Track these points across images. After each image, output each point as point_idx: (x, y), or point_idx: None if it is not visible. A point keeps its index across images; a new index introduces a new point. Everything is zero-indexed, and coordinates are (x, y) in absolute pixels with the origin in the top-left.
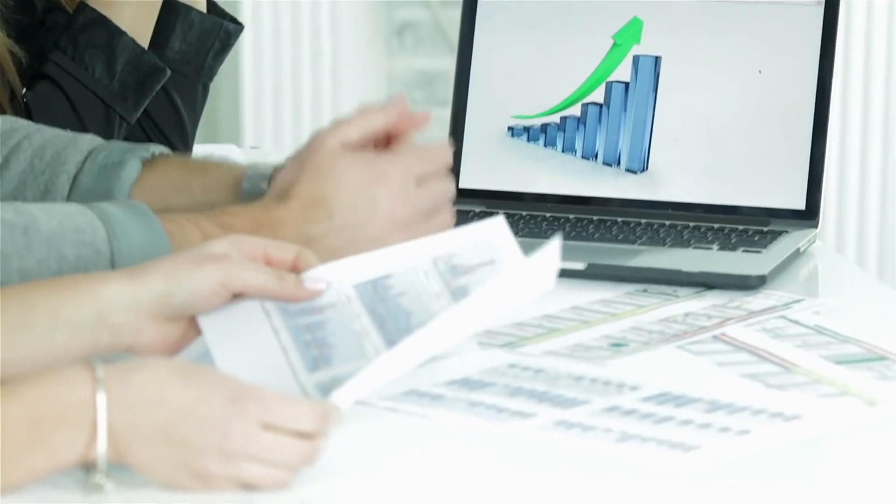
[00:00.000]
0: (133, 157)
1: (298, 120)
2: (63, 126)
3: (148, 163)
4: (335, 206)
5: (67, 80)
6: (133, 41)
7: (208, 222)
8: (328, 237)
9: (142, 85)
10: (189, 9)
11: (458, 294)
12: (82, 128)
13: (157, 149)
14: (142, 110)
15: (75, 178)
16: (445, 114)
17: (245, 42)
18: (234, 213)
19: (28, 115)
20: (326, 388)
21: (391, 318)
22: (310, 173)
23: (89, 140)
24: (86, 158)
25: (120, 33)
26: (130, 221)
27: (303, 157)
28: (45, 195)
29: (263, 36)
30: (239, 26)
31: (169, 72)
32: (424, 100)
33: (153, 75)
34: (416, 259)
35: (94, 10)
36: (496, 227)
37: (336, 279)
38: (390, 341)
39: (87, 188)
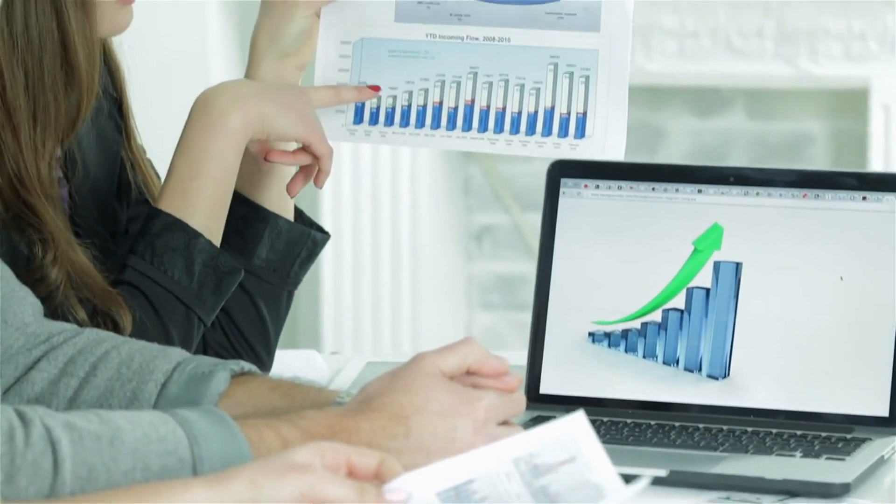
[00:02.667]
0: (223, 370)
1: (378, 325)
2: (145, 329)
3: (237, 377)
4: (415, 425)
5: (148, 284)
6: (209, 242)
7: (287, 427)
8: (401, 455)
9: (219, 285)
10: (277, 217)
11: (539, 495)
12: (164, 330)
13: (247, 365)
14: (219, 311)
15: (163, 386)
16: (524, 318)
17: (326, 246)
18: (310, 418)
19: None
20: None
21: None
22: (398, 389)
23: (178, 352)
24: (175, 368)
25: (197, 235)
26: (211, 428)
27: (396, 373)
28: (131, 403)
29: (343, 240)
30: (325, 235)
31: (243, 272)
32: (503, 304)
33: (230, 275)
34: (498, 461)
35: (169, 214)
36: (577, 423)
37: (419, 488)
38: None
39: (175, 397)
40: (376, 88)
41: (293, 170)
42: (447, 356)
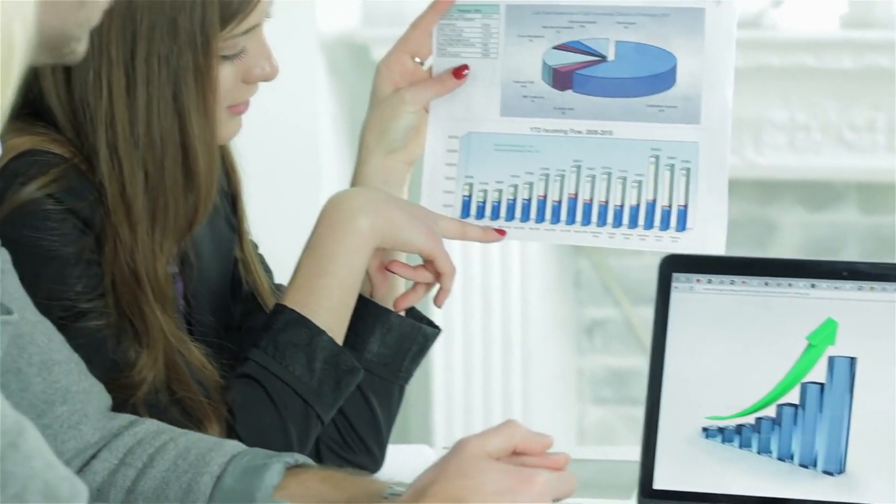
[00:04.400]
0: (277, 462)
1: (489, 419)
2: (265, 424)
3: (291, 470)
4: None
5: (269, 378)
6: (331, 340)
7: None
8: None
9: (339, 383)
10: (389, 312)
11: None
12: (282, 425)
13: (301, 458)
14: (337, 409)
15: (219, 478)
16: (636, 412)
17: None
18: None
19: (230, 413)
20: None
21: None
22: (451, 475)
23: (234, 445)
24: (230, 460)
25: (319, 332)
26: None
27: (444, 461)
28: (187, 494)
29: (454, 334)
30: (436, 330)
31: (363, 372)
32: (614, 398)
33: (350, 374)
34: None
35: (293, 310)
36: None
37: None
38: None
39: (230, 489)
40: (502, 232)
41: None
42: (492, 438)
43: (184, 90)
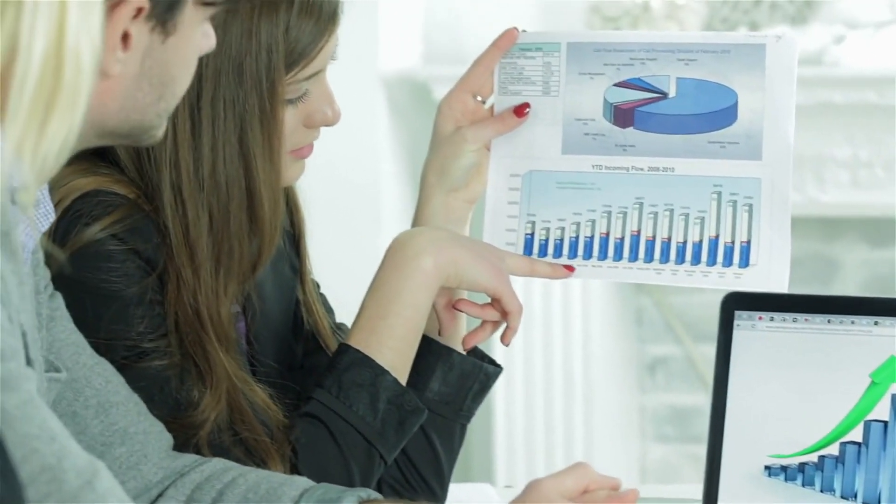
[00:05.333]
0: (349, 497)
1: (551, 457)
2: (328, 463)
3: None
4: None
5: (332, 418)
6: (395, 380)
7: None
8: None
9: (402, 424)
10: (450, 350)
11: None
12: (345, 465)
13: (374, 493)
14: (400, 449)
15: None
16: (699, 450)
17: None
18: None
19: (293, 452)
20: None
21: None
22: None
23: (305, 480)
24: (302, 494)
25: (383, 372)
26: None
27: (519, 502)
28: None
29: (516, 372)
30: (498, 368)
31: (427, 412)
32: (677, 436)
33: (414, 414)
34: None
35: (357, 350)
36: None
37: None
38: None
39: None
40: (570, 269)
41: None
42: (565, 479)
43: (249, 134)
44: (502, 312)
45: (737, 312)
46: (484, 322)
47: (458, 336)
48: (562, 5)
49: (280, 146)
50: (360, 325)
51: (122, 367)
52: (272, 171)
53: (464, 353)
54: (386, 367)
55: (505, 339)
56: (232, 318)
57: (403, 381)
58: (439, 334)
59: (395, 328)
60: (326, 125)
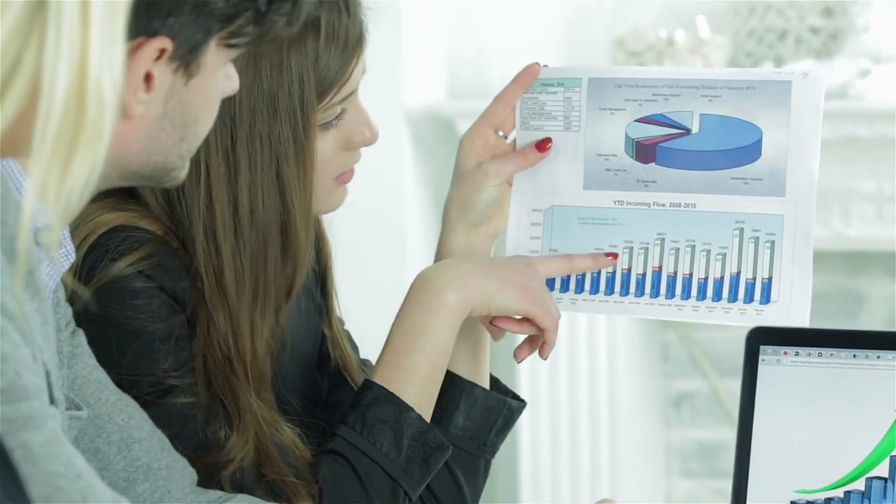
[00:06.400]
0: None
1: (577, 493)
2: (352, 501)
3: None
4: None
5: (356, 455)
6: (419, 416)
7: None
8: None
9: (427, 461)
10: (473, 385)
11: None
12: (370, 503)
13: None
14: (425, 485)
15: None
16: (724, 485)
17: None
18: None
19: (318, 490)
20: None
21: None
22: None
23: None
24: None
25: (407, 409)
26: None
27: None
28: None
29: (541, 407)
30: (521, 403)
31: (451, 448)
32: (702, 471)
33: (438, 451)
34: None
35: (381, 386)
36: None
37: None
38: None
39: None
40: (614, 256)
41: (487, 340)
42: None
43: (285, 167)
44: (538, 329)
45: (762, 347)
46: (525, 340)
47: (483, 371)
48: (586, 40)
49: (313, 175)
50: (384, 362)
51: (146, 404)
52: (306, 200)
53: (487, 388)
54: (410, 404)
55: (542, 354)
56: (267, 354)
57: (428, 417)
58: (494, 339)
59: (419, 365)
60: (366, 145)
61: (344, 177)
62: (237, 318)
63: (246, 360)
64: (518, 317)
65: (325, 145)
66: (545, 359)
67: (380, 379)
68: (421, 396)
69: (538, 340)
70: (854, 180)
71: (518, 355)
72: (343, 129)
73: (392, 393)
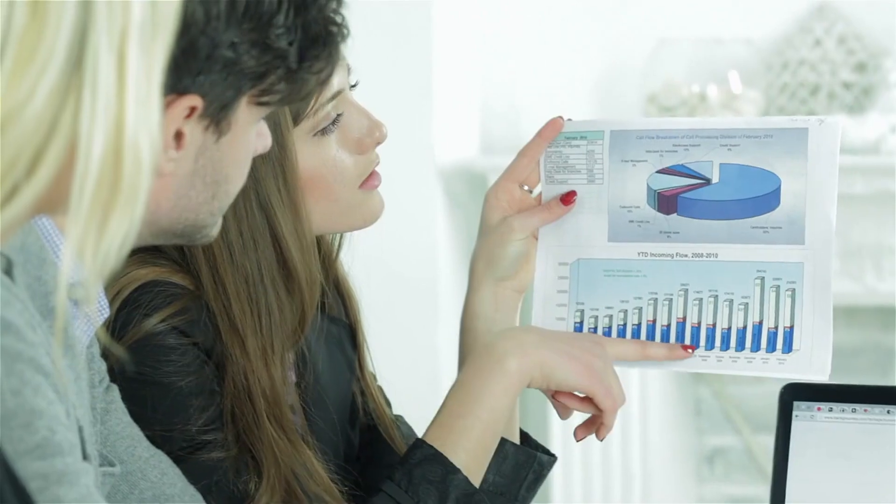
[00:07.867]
0: None
1: None
2: None
3: None
4: None
5: None
6: (466, 479)
7: None
8: None
9: None
10: (504, 440)
11: None
12: None
13: None
14: None
15: None
16: None
17: (555, 468)
18: None
19: None
20: None
21: None
22: None
23: None
24: None
25: (455, 471)
26: None
27: None
28: None
29: (573, 462)
30: (552, 458)
31: None
32: None
33: None
34: None
35: (431, 446)
36: None
37: None
38: None
39: None
40: (692, 347)
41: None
42: None
43: (263, 186)
44: (597, 408)
45: (795, 403)
46: (588, 418)
47: (514, 426)
48: (619, 95)
49: (296, 190)
50: (438, 423)
51: (179, 459)
52: (295, 218)
53: (518, 442)
54: (459, 466)
55: (599, 435)
56: (283, 382)
57: (477, 482)
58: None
59: (472, 430)
60: (375, 142)
61: (370, 182)
62: (248, 347)
63: (263, 389)
64: (581, 394)
65: (328, 151)
66: (601, 440)
67: (431, 439)
68: (471, 460)
69: (598, 420)
70: (887, 235)
71: (577, 434)
72: (344, 131)
73: (441, 454)
